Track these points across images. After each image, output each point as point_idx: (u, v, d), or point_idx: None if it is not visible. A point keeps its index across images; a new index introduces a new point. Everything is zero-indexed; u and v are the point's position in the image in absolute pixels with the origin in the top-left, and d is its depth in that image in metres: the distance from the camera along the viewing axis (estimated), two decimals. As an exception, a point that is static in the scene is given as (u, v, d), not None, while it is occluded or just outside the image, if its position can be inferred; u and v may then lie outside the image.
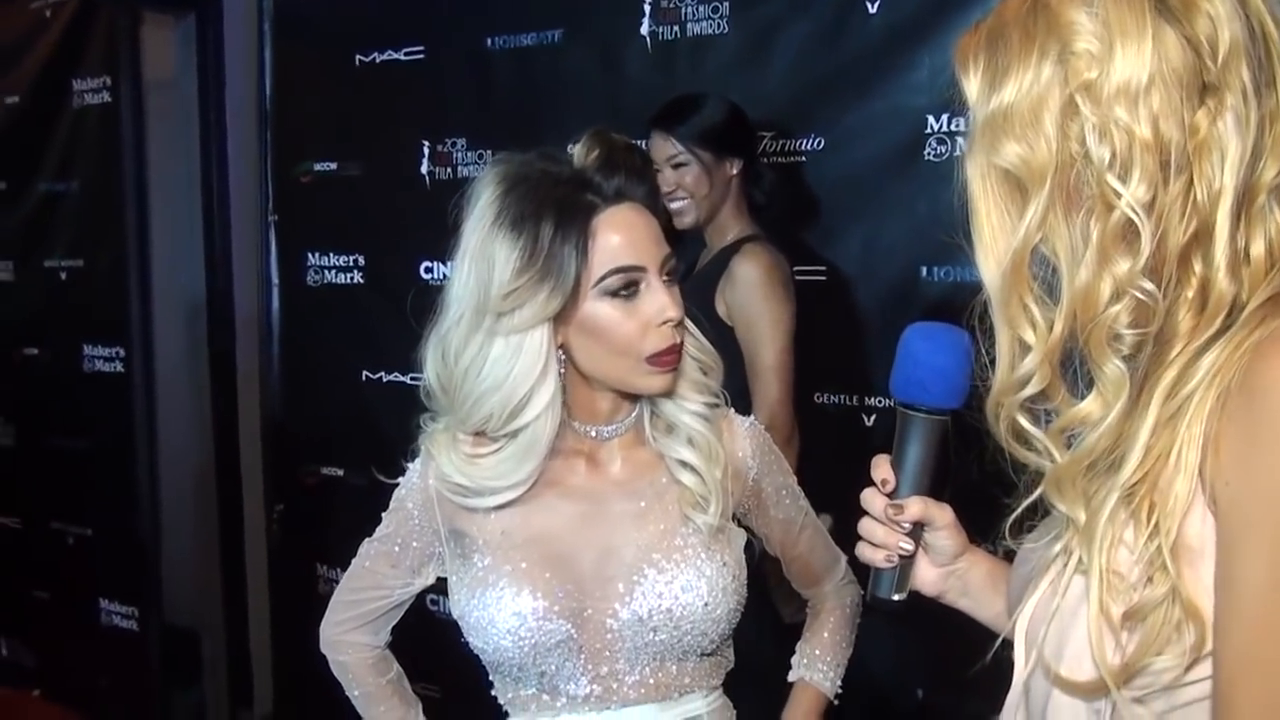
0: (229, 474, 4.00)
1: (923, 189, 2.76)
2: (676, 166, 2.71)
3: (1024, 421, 0.96)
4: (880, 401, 2.88)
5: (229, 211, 3.95)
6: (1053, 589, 0.97)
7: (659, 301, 1.45)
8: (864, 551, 1.20)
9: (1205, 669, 0.86)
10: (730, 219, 2.76)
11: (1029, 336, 0.93)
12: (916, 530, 1.18)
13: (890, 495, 1.17)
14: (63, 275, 4.17)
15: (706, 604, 1.48)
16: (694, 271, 2.81)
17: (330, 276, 3.86)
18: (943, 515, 1.19)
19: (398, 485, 1.62)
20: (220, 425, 3.98)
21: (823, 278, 2.92)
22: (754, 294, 2.64)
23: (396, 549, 1.61)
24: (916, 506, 1.16)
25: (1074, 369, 0.95)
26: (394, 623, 1.68)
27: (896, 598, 1.20)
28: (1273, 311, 0.86)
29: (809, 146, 2.97)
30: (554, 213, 1.41)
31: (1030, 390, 0.94)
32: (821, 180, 2.96)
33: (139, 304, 4.07)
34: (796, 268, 2.78)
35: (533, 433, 1.46)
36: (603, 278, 1.43)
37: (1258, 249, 0.89)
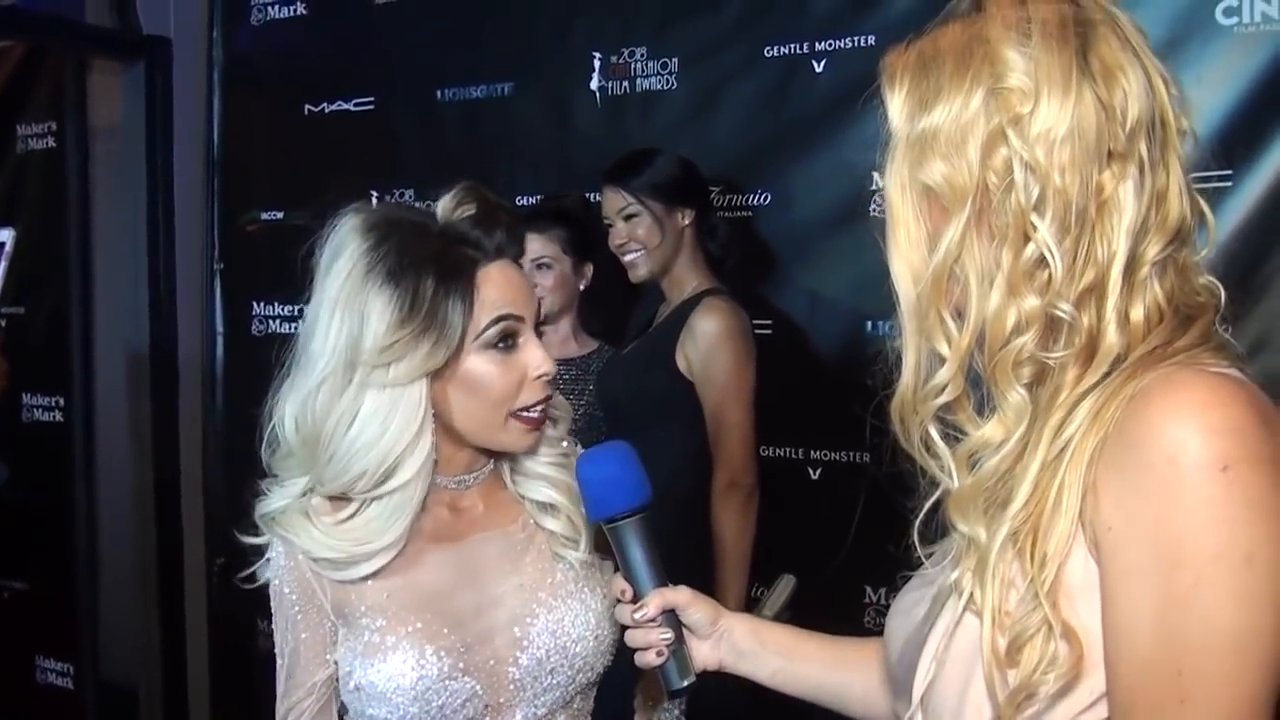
0: (169, 527, 3.92)
1: (867, 244, 2.74)
2: (628, 218, 2.73)
3: (934, 434, 0.99)
4: (825, 455, 2.89)
5: (174, 259, 3.91)
6: (943, 640, 0.98)
7: (535, 355, 1.45)
8: (639, 658, 1.32)
9: (1101, 711, 0.88)
10: (687, 271, 2.77)
11: (943, 349, 0.97)
12: (671, 618, 1.31)
13: (634, 600, 1.30)
14: (2, 322, 4.09)
15: (597, 636, 1.49)
16: (653, 325, 2.81)
17: (275, 326, 3.82)
18: (679, 595, 1.32)
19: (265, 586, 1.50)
20: (161, 476, 3.90)
21: (769, 331, 2.93)
22: (715, 349, 2.64)
23: (300, 645, 1.48)
24: (656, 599, 1.29)
25: (980, 392, 0.98)
26: (335, 705, 1.51)
27: (686, 683, 1.30)
28: (1145, 365, 0.90)
29: (756, 202, 2.99)
30: (435, 266, 1.39)
31: (944, 399, 0.97)
32: (768, 235, 2.98)
33: (80, 352, 4.01)
34: (746, 322, 2.78)
35: (405, 493, 1.42)
36: (485, 328, 1.42)
37: (1136, 315, 0.93)
